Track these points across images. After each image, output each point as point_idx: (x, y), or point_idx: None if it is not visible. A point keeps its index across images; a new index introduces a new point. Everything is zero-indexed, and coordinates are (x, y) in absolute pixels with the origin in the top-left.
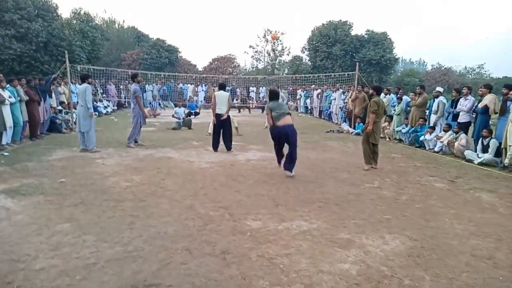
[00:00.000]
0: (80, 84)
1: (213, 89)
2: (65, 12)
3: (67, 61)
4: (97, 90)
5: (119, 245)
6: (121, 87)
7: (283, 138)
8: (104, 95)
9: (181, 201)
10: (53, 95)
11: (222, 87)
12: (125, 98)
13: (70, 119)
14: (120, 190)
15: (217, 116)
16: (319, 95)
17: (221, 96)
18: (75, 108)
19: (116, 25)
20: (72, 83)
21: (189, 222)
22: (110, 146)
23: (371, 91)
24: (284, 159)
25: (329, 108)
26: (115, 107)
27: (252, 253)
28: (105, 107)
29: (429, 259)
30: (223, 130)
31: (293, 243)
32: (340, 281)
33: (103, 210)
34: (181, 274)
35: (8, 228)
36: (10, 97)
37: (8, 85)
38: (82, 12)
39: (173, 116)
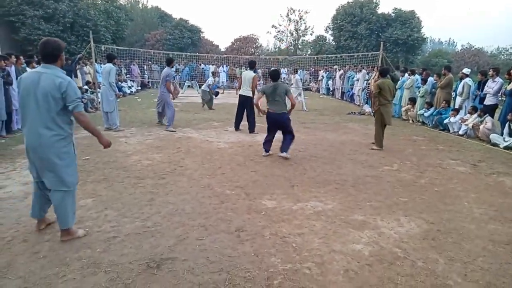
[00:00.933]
0: (105, 64)
1: (233, 69)
2: None
3: (92, 41)
4: (121, 70)
5: (138, 220)
6: (145, 67)
7: (276, 126)
8: (128, 75)
9: (199, 179)
10: (79, 74)
11: (250, 66)
12: (148, 79)
13: (96, 98)
14: (141, 168)
15: (240, 97)
16: (342, 76)
17: (246, 76)
18: (100, 88)
19: (140, 5)
20: (97, 63)
21: (206, 200)
22: (133, 125)
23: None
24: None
25: (351, 90)
26: (139, 87)
27: (266, 231)
28: (129, 87)
29: (445, 242)
30: (246, 111)
31: (307, 223)
32: (352, 261)
33: (125, 187)
34: (196, 249)
35: None
36: None
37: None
38: None
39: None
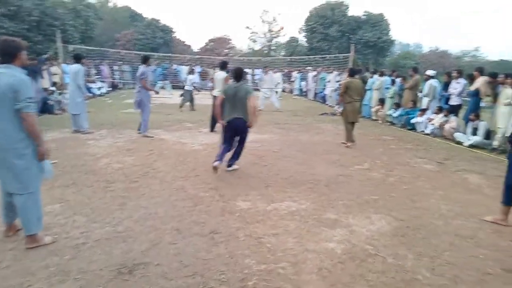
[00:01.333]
0: (72, 65)
1: (206, 70)
2: None
3: (59, 41)
4: (90, 71)
5: (109, 225)
6: (115, 68)
7: (234, 133)
8: (97, 76)
9: (172, 182)
10: (46, 75)
11: (222, 66)
12: (119, 79)
13: (63, 100)
14: (111, 171)
15: (214, 98)
16: (315, 77)
17: (219, 77)
18: (67, 89)
19: (110, 4)
20: (65, 63)
21: (179, 203)
22: (103, 127)
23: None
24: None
25: (323, 91)
26: (110, 88)
27: (240, 232)
28: (99, 88)
29: (414, 238)
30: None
31: (281, 223)
32: (325, 259)
33: (94, 191)
34: (169, 253)
35: None
36: None
37: None
38: None
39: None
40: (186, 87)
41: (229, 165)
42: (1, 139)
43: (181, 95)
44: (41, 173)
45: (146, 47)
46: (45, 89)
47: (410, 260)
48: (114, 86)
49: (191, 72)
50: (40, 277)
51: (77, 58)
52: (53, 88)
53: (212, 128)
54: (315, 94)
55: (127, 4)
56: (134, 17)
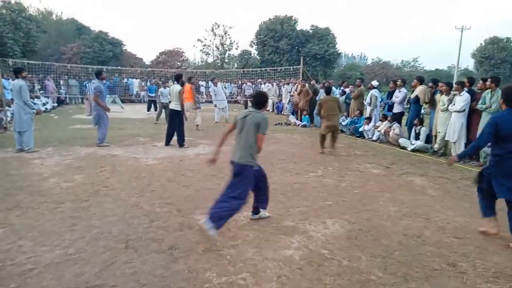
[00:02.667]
0: (13, 80)
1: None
2: None
3: None
4: (34, 86)
5: (59, 248)
6: (61, 82)
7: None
8: (42, 91)
9: (126, 199)
10: None
11: (177, 79)
12: (65, 94)
13: (4, 117)
14: (60, 191)
15: (170, 111)
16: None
17: (174, 90)
18: (9, 106)
19: (54, 16)
20: (4, 78)
21: (135, 220)
22: (49, 145)
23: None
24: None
25: (280, 102)
26: (55, 104)
27: (200, 246)
28: (44, 104)
29: (366, 240)
30: (176, 125)
31: (240, 233)
32: (284, 267)
33: (41, 213)
34: (125, 273)
35: None
36: None
37: None
38: (13, 1)
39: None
40: (163, 100)
41: (209, 219)
42: None
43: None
44: None
45: (94, 61)
46: None
47: (363, 261)
48: (60, 101)
49: (163, 85)
50: None
51: (17, 72)
52: None
53: (168, 143)
54: (273, 105)
55: (73, 16)
56: (80, 29)
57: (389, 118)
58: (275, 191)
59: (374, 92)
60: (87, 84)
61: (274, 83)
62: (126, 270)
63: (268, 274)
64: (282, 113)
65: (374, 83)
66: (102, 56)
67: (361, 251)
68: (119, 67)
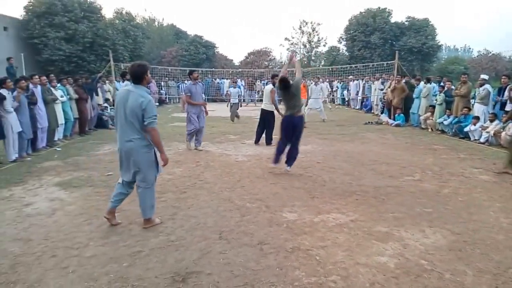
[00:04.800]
0: (123, 81)
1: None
2: (108, 13)
3: (111, 60)
4: None
5: (162, 234)
6: (162, 83)
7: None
8: None
9: (219, 193)
10: (99, 92)
11: (272, 78)
12: (166, 95)
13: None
14: (162, 183)
15: (261, 111)
16: (361, 86)
17: (266, 91)
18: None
19: (156, 23)
20: (116, 81)
21: (227, 214)
22: None
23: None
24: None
25: (369, 99)
26: (157, 103)
27: (288, 244)
28: None
29: (472, 253)
30: (265, 124)
31: (330, 235)
32: (378, 274)
33: None
34: (220, 263)
35: (63, 218)
36: (61, 96)
37: (58, 84)
38: (124, 12)
39: (226, 95)
40: (233, 100)
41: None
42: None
43: (231, 108)
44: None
45: (190, 63)
46: (99, 105)
47: (469, 276)
48: (161, 101)
49: (235, 83)
50: (101, 283)
51: (124, 75)
52: (106, 105)
53: (257, 141)
54: (361, 103)
55: (172, 22)
56: (178, 34)
57: (502, 118)
58: (365, 194)
59: (487, 86)
60: (180, 85)
61: (363, 80)
62: (221, 260)
63: (360, 279)
64: (372, 111)
65: (484, 76)
66: (197, 58)
67: (466, 265)
68: (212, 69)
